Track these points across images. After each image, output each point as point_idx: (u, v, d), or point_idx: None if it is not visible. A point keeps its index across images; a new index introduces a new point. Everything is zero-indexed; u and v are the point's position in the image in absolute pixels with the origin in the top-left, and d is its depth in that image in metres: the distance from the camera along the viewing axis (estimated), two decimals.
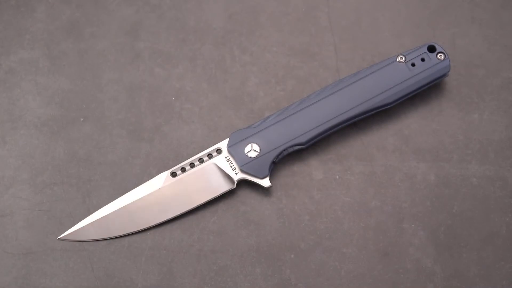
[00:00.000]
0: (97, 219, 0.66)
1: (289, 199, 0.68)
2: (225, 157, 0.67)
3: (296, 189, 0.68)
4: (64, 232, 0.66)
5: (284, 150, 0.67)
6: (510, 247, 0.65)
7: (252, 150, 0.67)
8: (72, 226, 0.66)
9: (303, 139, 0.67)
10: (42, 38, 0.76)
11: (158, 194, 0.66)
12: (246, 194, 0.68)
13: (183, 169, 0.67)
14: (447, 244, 0.66)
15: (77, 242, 0.66)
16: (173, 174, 0.67)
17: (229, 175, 0.67)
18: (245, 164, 0.67)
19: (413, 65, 0.70)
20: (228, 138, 0.68)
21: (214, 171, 0.67)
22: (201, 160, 0.68)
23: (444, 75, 0.70)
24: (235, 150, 0.67)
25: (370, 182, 0.68)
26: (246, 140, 0.67)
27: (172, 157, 0.70)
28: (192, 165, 0.67)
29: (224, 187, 0.67)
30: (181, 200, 0.67)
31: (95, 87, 0.73)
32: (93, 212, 0.67)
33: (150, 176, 0.69)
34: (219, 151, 0.68)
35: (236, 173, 0.67)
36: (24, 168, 0.69)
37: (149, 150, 0.70)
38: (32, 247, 0.66)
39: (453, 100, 0.72)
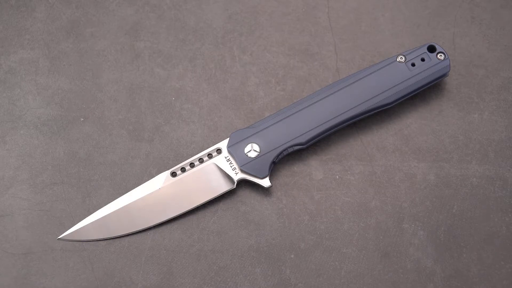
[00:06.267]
0: (97, 219, 0.66)
1: (289, 199, 0.68)
2: (225, 157, 0.67)
3: (296, 189, 0.68)
4: (64, 232, 0.66)
5: (284, 150, 0.67)
6: (510, 247, 0.65)
7: (252, 150, 0.67)
8: (72, 226, 0.66)
9: (303, 139, 0.67)
10: (42, 38, 0.76)
11: (158, 194, 0.66)
12: (246, 194, 0.68)
13: (183, 169, 0.67)
14: (447, 244, 0.66)
15: (77, 242, 0.66)
16: (173, 174, 0.67)
17: (229, 175, 0.67)
18: (245, 164, 0.67)
19: (413, 65, 0.70)
20: (228, 138, 0.68)
21: (214, 171, 0.67)
22: (201, 160, 0.68)
23: (444, 75, 0.70)
24: (235, 150, 0.67)
25: (370, 182, 0.68)
26: (246, 140, 0.67)
27: (172, 157, 0.70)
28: (192, 165, 0.67)
29: (224, 187, 0.67)
30: (181, 200, 0.67)
31: (95, 87, 0.73)
32: (93, 212, 0.67)
33: (150, 176, 0.69)
34: (219, 151, 0.68)
35: (236, 173, 0.67)
36: (24, 168, 0.69)
37: (149, 150, 0.70)
38: (32, 247, 0.66)
39: (453, 100, 0.72)
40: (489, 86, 0.72)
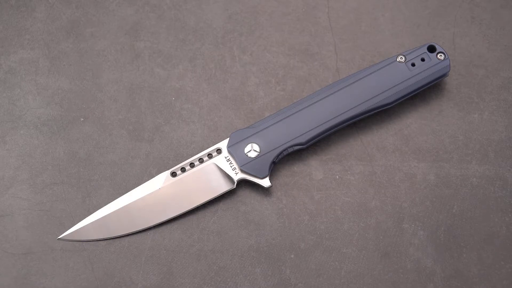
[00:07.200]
0: (97, 219, 0.66)
1: (289, 199, 0.68)
2: (225, 157, 0.67)
3: (296, 189, 0.68)
4: (64, 232, 0.66)
5: (284, 150, 0.67)
6: (510, 247, 0.65)
7: (252, 150, 0.67)
8: (72, 226, 0.66)
9: (303, 139, 0.67)
10: (42, 38, 0.76)
11: (158, 194, 0.66)
12: (246, 194, 0.68)
13: (183, 169, 0.67)
14: (447, 244, 0.66)
15: (77, 242, 0.66)
16: (173, 174, 0.67)
17: (229, 175, 0.67)
18: (245, 164, 0.67)
19: (413, 65, 0.70)
20: (228, 138, 0.68)
21: (214, 171, 0.67)
22: (201, 160, 0.68)
23: (444, 75, 0.70)
24: (235, 150, 0.67)
25: (370, 182, 0.68)
26: (246, 140, 0.67)
27: (172, 157, 0.70)
28: (192, 165, 0.67)
29: (224, 187, 0.67)
30: (181, 200, 0.67)
31: (95, 87, 0.73)
32: (93, 212, 0.67)
33: (150, 176, 0.69)
34: (219, 151, 0.68)
35: (236, 173, 0.67)
36: (24, 168, 0.69)
37: (149, 150, 0.70)
38: (32, 247, 0.66)
39: (453, 100, 0.72)
40: (489, 86, 0.72)
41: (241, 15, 0.77)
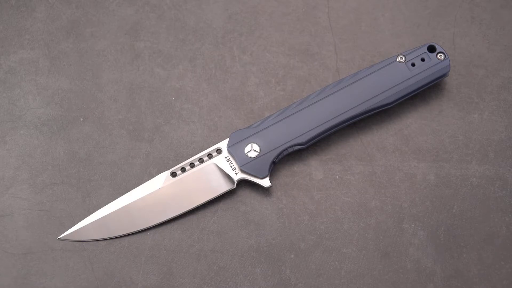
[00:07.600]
0: (97, 219, 0.66)
1: (289, 199, 0.68)
2: (225, 157, 0.67)
3: (296, 189, 0.68)
4: (64, 232, 0.66)
5: (284, 150, 0.67)
6: (510, 247, 0.65)
7: (252, 150, 0.67)
8: (72, 226, 0.66)
9: (303, 139, 0.67)
10: (42, 38, 0.76)
11: (158, 194, 0.66)
12: (246, 194, 0.68)
13: (183, 169, 0.67)
14: (447, 244, 0.66)
15: (77, 242, 0.66)
16: (173, 174, 0.67)
17: (229, 175, 0.67)
18: (245, 164, 0.67)
19: (413, 65, 0.70)
20: (228, 138, 0.68)
21: (214, 171, 0.67)
22: (201, 160, 0.68)
23: (444, 75, 0.70)
24: (235, 150, 0.67)
25: (370, 182, 0.68)
26: (246, 140, 0.67)
27: (172, 157, 0.70)
28: (192, 165, 0.67)
29: (224, 187, 0.67)
30: (181, 200, 0.67)
31: (95, 87, 0.73)
32: (93, 212, 0.67)
33: (150, 176, 0.69)
34: (219, 151, 0.68)
35: (236, 173, 0.67)
36: (24, 168, 0.69)
37: (149, 150, 0.70)
38: (32, 247, 0.66)
39: (453, 100, 0.72)
40: (489, 86, 0.72)
41: (241, 15, 0.77)
